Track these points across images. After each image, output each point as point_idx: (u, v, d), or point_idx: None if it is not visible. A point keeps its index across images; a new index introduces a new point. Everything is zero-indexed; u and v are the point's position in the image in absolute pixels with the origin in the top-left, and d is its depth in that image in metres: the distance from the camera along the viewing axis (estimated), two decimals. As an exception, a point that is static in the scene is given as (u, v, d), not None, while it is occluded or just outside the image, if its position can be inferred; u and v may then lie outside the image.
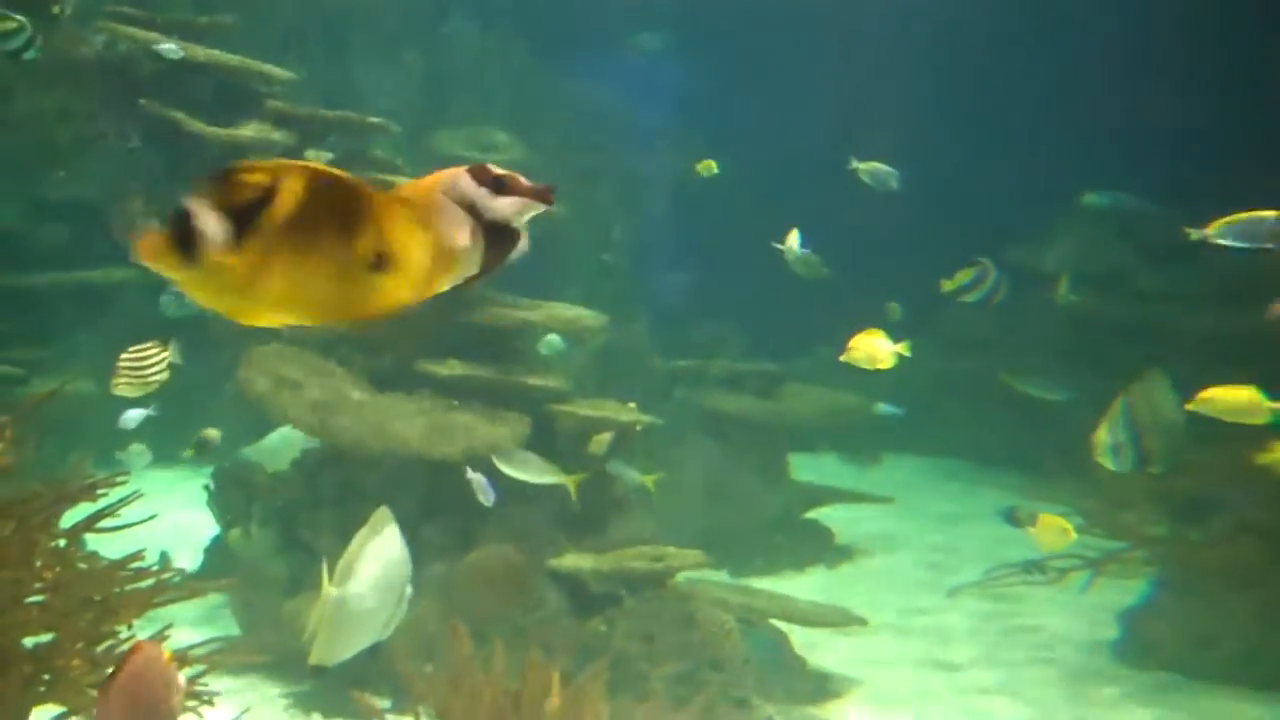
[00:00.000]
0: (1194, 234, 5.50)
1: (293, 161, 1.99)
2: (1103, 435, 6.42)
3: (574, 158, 12.37)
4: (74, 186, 8.51)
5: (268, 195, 1.94)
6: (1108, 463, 6.47)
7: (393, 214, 2.04)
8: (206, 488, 7.76)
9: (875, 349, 7.05)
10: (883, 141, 9.83)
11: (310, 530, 6.72)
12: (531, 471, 6.42)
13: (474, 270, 2.12)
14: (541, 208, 2.12)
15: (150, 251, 1.92)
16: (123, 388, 5.67)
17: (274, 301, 2.02)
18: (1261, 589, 7.57)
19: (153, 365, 5.61)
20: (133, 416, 7.64)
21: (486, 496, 6.15)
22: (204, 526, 7.84)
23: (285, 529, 6.89)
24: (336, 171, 2.02)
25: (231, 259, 1.93)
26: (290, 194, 1.96)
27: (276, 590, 6.62)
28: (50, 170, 8.12)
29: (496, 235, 2.12)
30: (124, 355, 5.65)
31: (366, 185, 2.03)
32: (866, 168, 9.26)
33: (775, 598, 7.95)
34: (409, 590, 3.93)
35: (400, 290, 2.07)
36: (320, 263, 2.00)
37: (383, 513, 3.93)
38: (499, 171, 2.13)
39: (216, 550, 7.34)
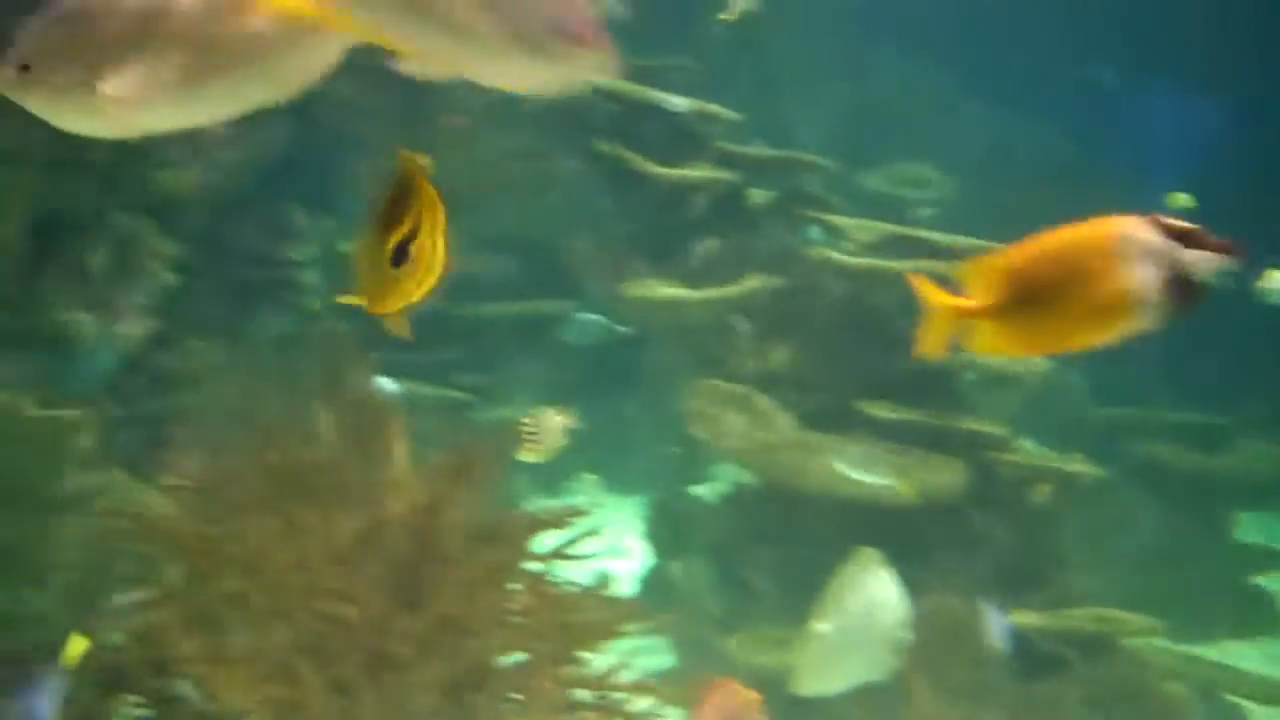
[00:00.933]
0: None
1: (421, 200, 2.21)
2: None
3: (1006, 196, 12.00)
4: (527, 224, 8.88)
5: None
6: None
7: (432, 214, 2.18)
8: (644, 518, 7.96)
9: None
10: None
11: (747, 567, 6.76)
12: (869, 471, 6.25)
13: (1151, 325, 2.10)
14: (1230, 263, 2.06)
15: None
16: (525, 453, 5.70)
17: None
18: None
19: (548, 431, 5.64)
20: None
21: (1000, 641, 5.81)
22: (640, 556, 8.02)
23: (721, 564, 6.96)
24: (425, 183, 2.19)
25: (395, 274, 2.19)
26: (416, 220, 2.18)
27: (713, 625, 6.68)
28: (507, 209, 8.51)
29: (1183, 290, 2.09)
30: (523, 420, 5.70)
31: (423, 184, 2.20)
32: None
33: (1227, 669, 7.40)
34: (904, 635, 3.86)
35: (418, 286, 2.19)
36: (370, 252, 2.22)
37: (871, 553, 3.91)
38: (1182, 224, 2.10)
39: (652, 581, 7.49)
